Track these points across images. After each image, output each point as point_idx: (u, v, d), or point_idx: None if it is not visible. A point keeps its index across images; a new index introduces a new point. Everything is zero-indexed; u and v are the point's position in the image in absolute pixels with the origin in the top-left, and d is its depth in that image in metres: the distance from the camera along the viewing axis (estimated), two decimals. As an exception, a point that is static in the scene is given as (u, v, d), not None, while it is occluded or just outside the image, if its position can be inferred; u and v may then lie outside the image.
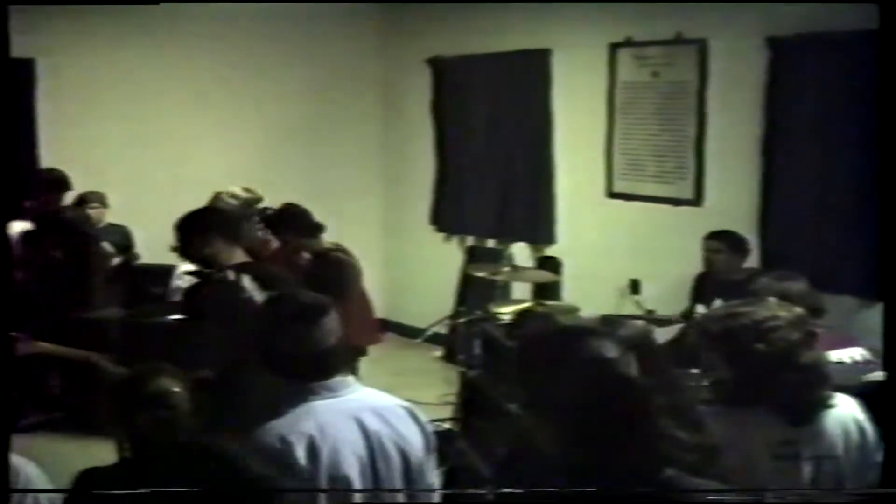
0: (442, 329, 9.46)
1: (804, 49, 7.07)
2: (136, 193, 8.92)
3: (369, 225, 10.42)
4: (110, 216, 8.72)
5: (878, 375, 4.17)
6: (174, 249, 5.06)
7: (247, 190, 7.94)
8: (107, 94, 9.26)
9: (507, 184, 9.38)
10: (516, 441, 2.28)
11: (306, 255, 6.87)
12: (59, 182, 8.07)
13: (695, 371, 3.32)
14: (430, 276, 10.18)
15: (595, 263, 8.51)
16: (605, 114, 8.46)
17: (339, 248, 6.97)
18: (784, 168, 7.30)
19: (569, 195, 8.92)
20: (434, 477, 3.38)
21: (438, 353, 9.63)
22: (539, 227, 9.12)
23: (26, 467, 3.26)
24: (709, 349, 3.20)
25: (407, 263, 10.57)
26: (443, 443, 3.51)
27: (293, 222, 6.96)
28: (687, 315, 7.02)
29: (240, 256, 4.91)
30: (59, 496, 3.27)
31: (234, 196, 7.73)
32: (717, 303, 6.44)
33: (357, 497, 3.13)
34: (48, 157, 8.93)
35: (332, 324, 3.23)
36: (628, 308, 7.73)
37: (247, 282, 4.67)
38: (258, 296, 4.59)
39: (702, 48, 7.72)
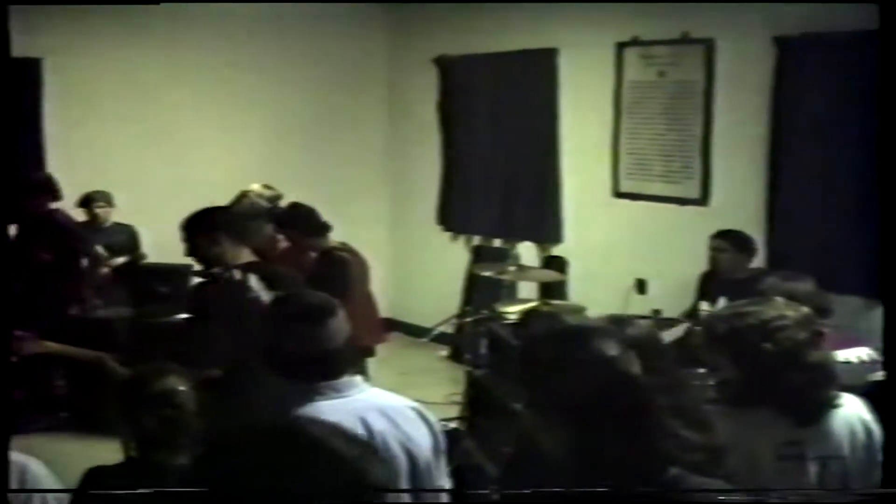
0: (448, 328, 9.46)
1: (811, 49, 7.06)
2: (142, 193, 8.94)
3: (375, 224, 10.42)
4: (116, 216, 8.74)
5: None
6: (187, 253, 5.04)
7: (267, 187, 7.98)
8: (113, 93, 9.27)
9: (514, 183, 9.37)
10: (522, 440, 2.28)
11: (313, 255, 6.88)
12: (43, 185, 7.86)
13: (701, 371, 3.32)
14: (436, 276, 10.18)
15: (601, 263, 8.50)
16: (611, 113, 8.45)
17: (346, 248, 6.97)
18: (790, 168, 7.29)
19: (575, 195, 8.92)
20: (444, 478, 3.35)
21: (444, 352, 9.64)
22: (545, 227, 9.12)
23: (34, 466, 3.26)
24: (715, 349, 3.20)
25: (413, 263, 10.57)
26: (449, 442, 3.49)
27: (301, 221, 6.96)
28: (690, 314, 7.01)
29: (247, 256, 4.91)
30: (66, 495, 3.28)
31: (259, 195, 7.78)
32: (722, 302, 6.44)
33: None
34: (54, 156, 8.95)
35: (338, 324, 3.22)
36: (634, 308, 7.73)
37: (253, 281, 4.67)
38: (265, 295, 4.59)
39: (708, 48, 7.71)
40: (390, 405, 3.27)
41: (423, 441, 3.26)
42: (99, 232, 8.53)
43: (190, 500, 1.67)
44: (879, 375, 4.42)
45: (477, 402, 6.71)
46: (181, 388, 3.36)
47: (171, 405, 3.30)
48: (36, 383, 7.51)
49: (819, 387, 3.11)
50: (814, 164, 7.12)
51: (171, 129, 9.50)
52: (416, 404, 3.35)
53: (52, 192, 7.79)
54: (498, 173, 9.51)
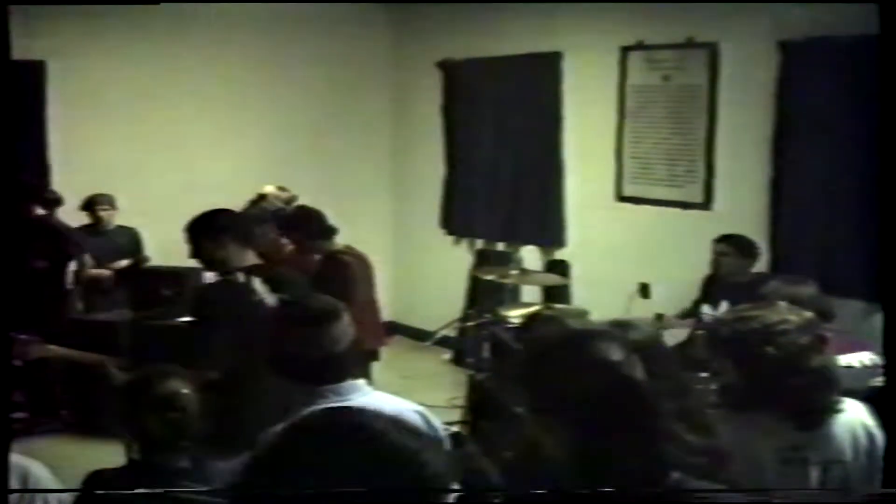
0: (451, 332, 9.45)
1: (814, 53, 7.06)
2: (145, 195, 8.94)
3: (378, 228, 10.42)
4: (119, 218, 8.73)
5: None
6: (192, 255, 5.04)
7: (282, 189, 7.99)
8: (117, 96, 9.28)
9: (517, 187, 9.37)
10: (524, 444, 2.28)
11: (317, 258, 6.87)
12: (31, 189, 7.88)
13: (703, 375, 3.32)
14: (439, 279, 10.19)
15: (604, 267, 8.50)
16: (615, 117, 8.45)
17: (351, 251, 6.95)
18: (794, 172, 7.29)
19: (578, 198, 8.92)
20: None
21: (447, 356, 9.64)
22: (548, 231, 9.12)
23: (36, 469, 3.27)
24: (717, 353, 3.20)
25: (416, 266, 10.57)
26: (452, 446, 3.50)
27: (308, 225, 6.93)
28: (689, 314, 7.02)
29: (251, 259, 4.90)
30: (67, 496, 3.28)
31: (276, 196, 7.80)
32: (725, 306, 6.45)
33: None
34: (57, 158, 8.97)
35: (343, 328, 3.22)
36: (638, 312, 7.72)
37: (257, 284, 4.67)
38: (269, 299, 4.60)
39: (712, 52, 7.71)
40: (393, 409, 3.27)
41: (425, 444, 3.26)
42: (102, 235, 8.54)
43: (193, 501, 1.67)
44: (882, 380, 4.42)
45: (480, 405, 6.70)
46: (184, 390, 3.36)
47: (174, 408, 3.30)
48: (39, 386, 7.52)
49: (821, 391, 3.10)
50: (817, 168, 7.12)
51: (175, 131, 9.51)
52: (419, 408, 3.35)
53: (41, 198, 7.81)
54: (501, 177, 9.52)
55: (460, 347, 9.19)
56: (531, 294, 8.71)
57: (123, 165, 9.16)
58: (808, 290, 4.64)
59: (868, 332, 5.57)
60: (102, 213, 8.59)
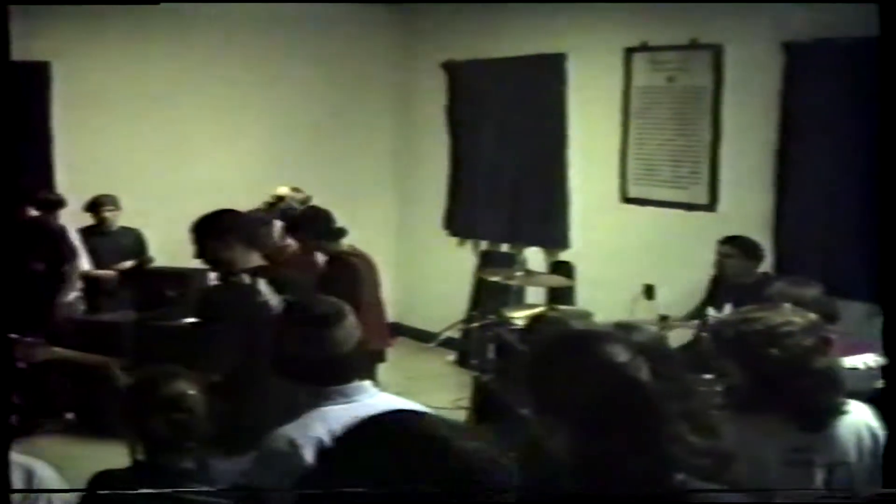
0: (455, 333, 9.45)
1: (819, 54, 7.06)
2: (150, 196, 8.95)
3: (382, 229, 10.42)
4: (123, 219, 8.74)
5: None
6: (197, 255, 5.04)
7: (296, 190, 8.00)
8: (121, 96, 9.29)
9: (521, 188, 9.38)
10: (529, 446, 2.28)
11: (322, 258, 6.87)
12: (25, 192, 7.85)
13: (708, 376, 3.31)
14: (443, 281, 10.18)
15: (609, 268, 8.50)
16: (619, 118, 8.46)
17: (356, 252, 6.95)
18: (798, 173, 7.28)
19: (583, 200, 8.92)
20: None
21: (452, 357, 9.64)
22: (553, 232, 9.12)
23: (41, 470, 3.27)
24: (722, 354, 3.20)
25: (420, 268, 10.57)
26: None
27: (317, 225, 6.92)
28: (694, 316, 7.02)
29: (256, 260, 4.89)
30: (71, 496, 3.29)
31: (293, 198, 7.81)
32: (729, 307, 6.44)
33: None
34: (61, 159, 8.98)
35: (348, 330, 3.23)
36: (642, 313, 7.72)
37: (262, 286, 4.67)
38: (274, 300, 4.60)
39: (717, 53, 7.71)
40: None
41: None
42: (106, 236, 8.55)
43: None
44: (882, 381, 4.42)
45: (484, 407, 6.71)
46: (190, 391, 3.36)
47: (180, 409, 3.30)
48: (44, 388, 7.52)
49: (826, 393, 3.10)
50: (821, 169, 7.12)
51: (179, 132, 9.52)
52: (425, 409, 3.35)
53: (35, 199, 7.82)
54: (505, 178, 9.52)
55: (465, 349, 9.19)
56: (535, 295, 8.71)
57: (126, 166, 9.17)
58: (813, 291, 4.65)
59: (872, 334, 5.57)
60: (106, 214, 8.60)
